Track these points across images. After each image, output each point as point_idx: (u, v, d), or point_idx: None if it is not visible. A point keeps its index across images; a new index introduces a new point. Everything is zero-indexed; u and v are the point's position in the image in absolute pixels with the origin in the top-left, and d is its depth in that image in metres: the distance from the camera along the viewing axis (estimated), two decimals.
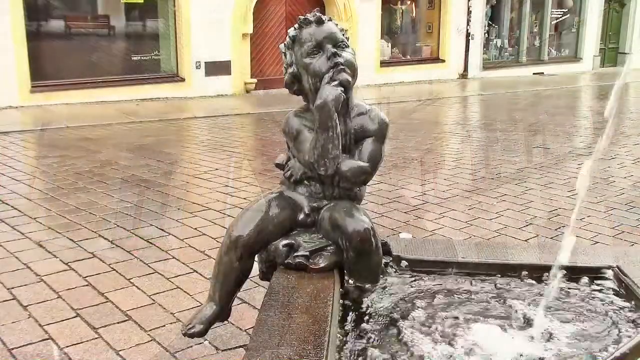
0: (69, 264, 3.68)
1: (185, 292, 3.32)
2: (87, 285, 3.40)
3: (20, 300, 3.19)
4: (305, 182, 1.80)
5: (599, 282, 1.79)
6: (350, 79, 1.72)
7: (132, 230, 4.30)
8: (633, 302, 1.67)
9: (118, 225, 4.40)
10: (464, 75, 16.76)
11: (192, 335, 1.80)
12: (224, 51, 12.33)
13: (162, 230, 4.31)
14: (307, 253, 1.69)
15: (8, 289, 3.33)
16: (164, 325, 2.95)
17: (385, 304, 1.63)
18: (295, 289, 1.58)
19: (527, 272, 1.82)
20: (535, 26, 19.32)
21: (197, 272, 3.58)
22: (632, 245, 4.17)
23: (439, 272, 1.83)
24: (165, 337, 2.84)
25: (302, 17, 1.80)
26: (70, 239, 4.10)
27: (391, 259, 1.83)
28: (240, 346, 2.74)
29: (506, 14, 18.52)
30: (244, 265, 1.75)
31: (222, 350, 2.73)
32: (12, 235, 4.18)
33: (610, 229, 4.49)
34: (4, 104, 9.93)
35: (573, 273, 1.78)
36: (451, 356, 1.41)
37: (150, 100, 11.27)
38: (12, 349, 2.73)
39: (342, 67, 1.71)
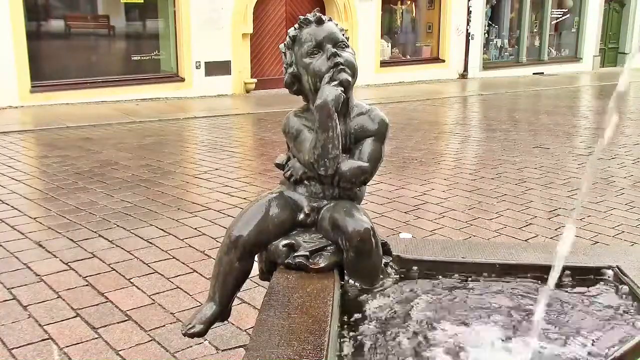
0: (69, 264, 3.68)
1: (185, 292, 3.32)
2: (87, 285, 3.40)
3: (20, 300, 3.19)
4: (305, 182, 1.80)
5: (598, 282, 1.78)
6: (350, 79, 1.72)
7: (132, 230, 4.30)
8: (633, 302, 1.67)
9: (118, 225, 4.40)
10: (464, 75, 16.76)
11: (192, 335, 1.79)
12: (224, 51, 12.33)
13: (162, 230, 4.31)
14: (307, 253, 1.69)
15: (8, 289, 3.33)
16: (164, 325, 2.95)
17: (384, 304, 1.63)
18: (295, 289, 1.58)
19: (527, 272, 1.82)
20: (535, 26, 19.31)
21: (197, 272, 3.59)
22: (632, 245, 4.17)
23: (438, 273, 1.83)
24: (165, 337, 2.84)
25: (302, 17, 1.80)
26: (70, 239, 4.10)
27: (391, 259, 1.82)
28: (240, 346, 2.74)
29: (506, 14, 18.53)
30: (244, 265, 1.75)
31: (222, 350, 2.73)
32: (12, 235, 4.18)
33: (610, 229, 4.50)
34: (4, 104, 9.94)
35: (572, 273, 1.78)
36: (451, 357, 1.41)
37: (150, 100, 11.27)
38: (12, 349, 2.73)
39: (342, 67, 1.71)
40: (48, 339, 2.82)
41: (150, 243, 4.06)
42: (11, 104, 10.03)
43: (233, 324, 2.90)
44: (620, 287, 1.75)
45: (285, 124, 1.82)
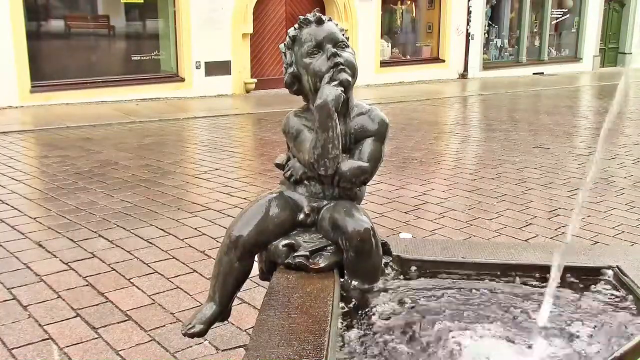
0: (69, 264, 3.68)
1: (185, 292, 3.32)
2: (87, 285, 3.40)
3: (20, 300, 3.19)
4: (305, 182, 1.80)
5: (598, 282, 1.78)
6: (350, 79, 1.72)
7: (132, 230, 4.30)
8: (633, 302, 1.67)
9: (118, 225, 4.40)
10: (464, 75, 16.75)
11: (192, 336, 1.79)
12: (224, 51, 12.33)
13: (162, 230, 4.31)
14: (307, 253, 1.69)
15: (8, 289, 3.33)
16: (164, 325, 2.95)
17: (384, 304, 1.63)
18: (295, 289, 1.58)
19: (528, 273, 1.82)
20: (535, 26, 19.31)
21: (197, 272, 3.59)
22: (632, 245, 4.17)
23: (439, 273, 1.83)
24: (165, 337, 2.84)
25: (302, 17, 1.80)
26: (70, 239, 4.10)
27: (391, 259, 1.82)
28: (240, 346, 2.74)
29: (506, 14, 18.53)
30: (244, 265, 1.75)
31: (222, 350, 2.73)
32: (12, 235, 4.18)
33: (610, 229, 4.50)
34: (4, 104, 9.94)
35: (573, 273, 1.78)
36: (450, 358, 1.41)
37: (150, 100, 11.27)
38: (12, 349, 2.73)
39: (342, 67, 1.71)
40: (48, 339, 2.82)
41: (150, 243, 4.06)
42: (11, 104, 10.03)
43: (233, 324, 2.90)
44: (620, 287, 1.75)
45: (285, 124, 1.82)
